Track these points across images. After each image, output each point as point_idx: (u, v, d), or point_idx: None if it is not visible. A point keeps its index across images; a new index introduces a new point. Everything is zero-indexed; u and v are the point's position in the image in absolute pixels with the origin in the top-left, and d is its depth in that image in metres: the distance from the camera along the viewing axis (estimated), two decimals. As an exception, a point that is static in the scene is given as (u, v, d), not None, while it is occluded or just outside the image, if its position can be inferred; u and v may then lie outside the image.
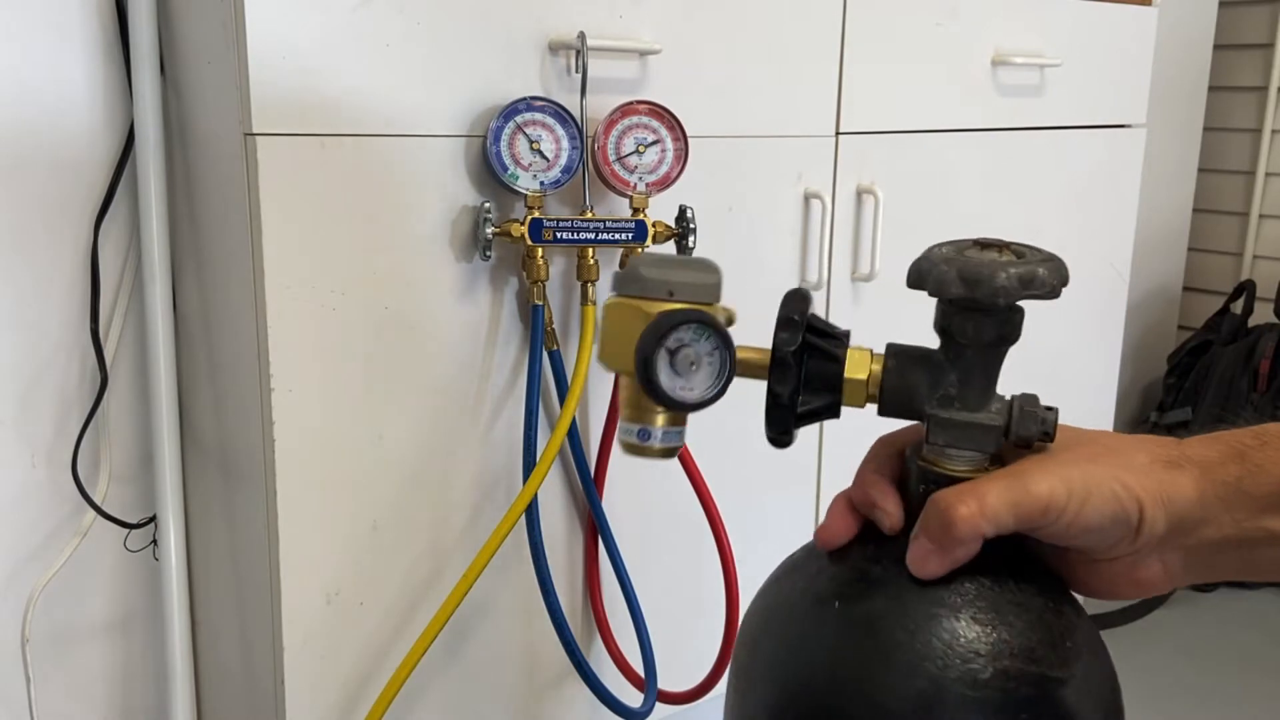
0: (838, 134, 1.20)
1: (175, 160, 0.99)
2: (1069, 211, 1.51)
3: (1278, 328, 2.12)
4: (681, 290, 0.52)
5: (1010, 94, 1.38)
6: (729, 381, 0.51)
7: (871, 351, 0.52)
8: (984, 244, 0.49)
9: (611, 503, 1.08)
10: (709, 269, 0.53)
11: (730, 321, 0.53)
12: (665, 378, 0.50)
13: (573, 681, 1.08)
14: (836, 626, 0.49)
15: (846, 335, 0.52)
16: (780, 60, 1.12)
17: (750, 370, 0.52)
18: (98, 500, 1.03)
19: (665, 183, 0.99)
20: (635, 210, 0.98)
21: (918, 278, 0.49)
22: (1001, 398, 0.50)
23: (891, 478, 0.52)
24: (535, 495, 0.96)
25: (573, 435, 1.04)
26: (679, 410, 0.52)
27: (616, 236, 0.96)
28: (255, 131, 0.83)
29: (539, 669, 1.09)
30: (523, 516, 0.97)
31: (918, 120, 1.28)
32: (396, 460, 0.95)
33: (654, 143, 0.98)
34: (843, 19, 1.17)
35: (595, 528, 1.08)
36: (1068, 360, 1.57)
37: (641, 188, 0.98)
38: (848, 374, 0.51)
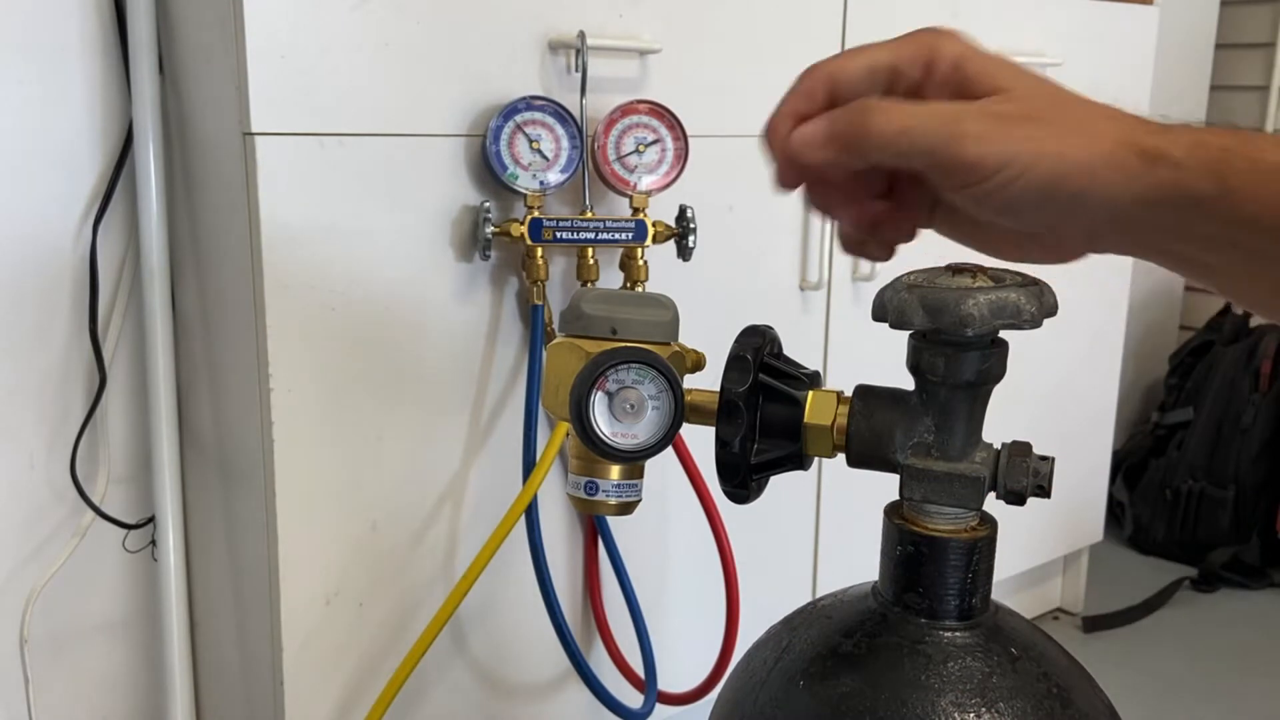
0: (838, 133, 1.19)
1: (174, 159, 0.98)
2: (1070, 211, 1.51)
3: (1279, 328, 2.12)
4: (626, 327, 0.47)
5: (1011, 93, 1.37)
6: (676, 428, 0.46)
7: (839, 394, 0.46)
8: (957, 269, 0.44)
9: (611, 503, 1.08)
10: (661, 305, 0.48)
11: (699, 365, 0.48)
12: (603, 423, 0.45)
13: (573, 682, 1.08)
14: (802, 709, 0.44)
15: (812, 376, 0.47)
16: (780, 59, 1.12)
17: (702, 415, 0.47)
18: (96, 501, 1.03)
19: (665, 182, 0.99)
20: (635, 210, 0.97)
21: (880, 308, 0.44)
22: (988, 445, 0.45)
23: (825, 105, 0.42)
24: (535, 495, 0.96)
25: (573, 435, 1.04)
26: (618, 459, 0.46)
27: (616, 236, 0.96)
28: (254, 131, 0.83)
29: (539, 669, 1.09)
30: (523, 516, 0.97)
31: (918, 120, 1.28)
32: (396, 460, 0.95)
33: (654, 142, 0.98)
34: (843, 18, 1.17)
35: (595, 528, 1.08)
36: (1069, 360, 1.56)
37: (641, 187, 0.98)
38: (808, 419, 0.45)
